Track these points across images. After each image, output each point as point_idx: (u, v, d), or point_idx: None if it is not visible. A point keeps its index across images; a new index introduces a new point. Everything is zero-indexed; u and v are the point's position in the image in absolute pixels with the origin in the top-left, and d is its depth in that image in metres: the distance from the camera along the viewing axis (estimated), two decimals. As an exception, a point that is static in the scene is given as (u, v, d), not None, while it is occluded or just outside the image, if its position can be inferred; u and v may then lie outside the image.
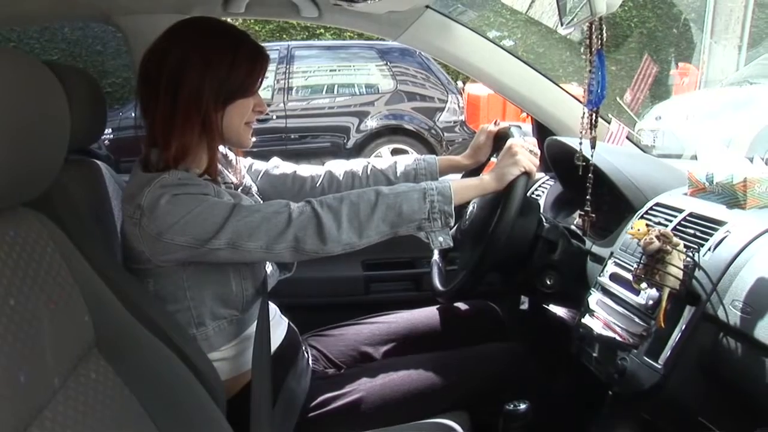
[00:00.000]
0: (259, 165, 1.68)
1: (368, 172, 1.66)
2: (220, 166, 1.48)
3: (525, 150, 1.47)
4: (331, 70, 7.24)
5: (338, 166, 1.69)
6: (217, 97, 1.33)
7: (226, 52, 1.33)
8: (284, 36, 9.51)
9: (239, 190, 1.49)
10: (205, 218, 1.26)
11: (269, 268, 1.51)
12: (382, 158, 1.70)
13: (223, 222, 1.26)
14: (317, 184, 1.66)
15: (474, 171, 1.73)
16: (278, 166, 1.69)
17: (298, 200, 1.35)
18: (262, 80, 1.40)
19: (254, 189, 1.59)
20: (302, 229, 1.29)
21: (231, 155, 1.58)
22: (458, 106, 7.10)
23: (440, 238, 1.36)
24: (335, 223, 1.30)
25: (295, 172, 1.68)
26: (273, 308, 1.53)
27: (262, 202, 1.54)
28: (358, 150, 6.82)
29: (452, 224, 1.38)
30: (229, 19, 1.99)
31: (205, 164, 1.37)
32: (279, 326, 1.52)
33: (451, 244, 1.40)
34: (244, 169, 1.62)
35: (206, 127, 1.34)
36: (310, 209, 1.31)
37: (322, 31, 9.47)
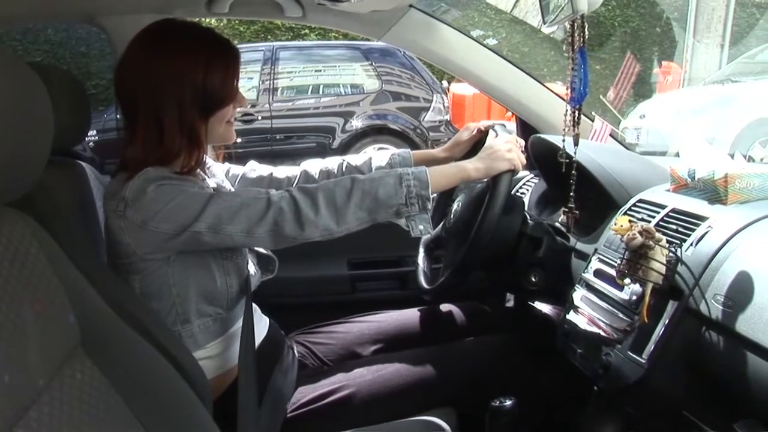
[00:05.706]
0: (237, 169, 1.68)
1: (343, 169, 1.67)
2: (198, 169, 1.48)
3: (518, 147, 1.47)
4: (316, 71, 7.24)
5: (313, 165, 1.70)
6: (200, 110, 1.34)
7: (199, 59, 1.33)
8: (269, 37, 9.49)
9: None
10: (188, 204, 1.27)
11: (252, 269, 1.51)
12: (357, 155, 1.71)
13: (204, 206, 1.27)
14: (293, 185, 1.66)
15: None
16: (255, 169, 1.70)
17: None
18: (237, 81, 1.40)
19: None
20: (281, 214, 1.29)
21: (208, 159, 1.58)
22: (443, 105, 7.11)
23: (420, 226, 1.35)
24: (312, 208, 1.30)
25: (272, 174, 1.69)
26: (254, 306, 1.52)
27: None
28: (344, 150, 6.81)
29: (430, 208, 1.36)
30: (213, 20, 1.99)
31: (187, 164, 1.37)
32: (260, 323, 1.52)
33: (431, 232, 1.40)
34: (222, 173, 1.62)
35: (191, 137, 1.34)
36: (288, 195, 1.31)
37: (306, 31, 9.47)
